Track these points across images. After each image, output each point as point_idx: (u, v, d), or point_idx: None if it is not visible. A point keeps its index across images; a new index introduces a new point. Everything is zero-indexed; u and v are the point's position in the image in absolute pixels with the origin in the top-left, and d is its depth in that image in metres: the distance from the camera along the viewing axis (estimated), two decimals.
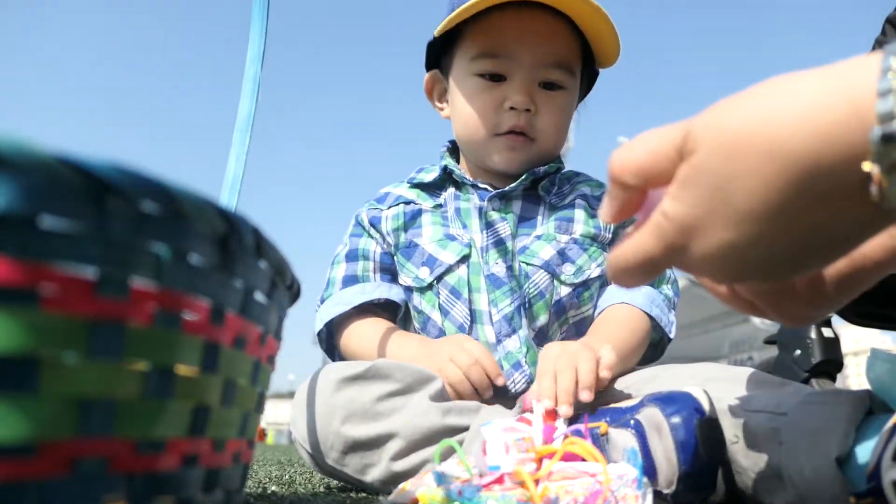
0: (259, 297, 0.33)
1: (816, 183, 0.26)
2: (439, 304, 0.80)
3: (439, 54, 0.87)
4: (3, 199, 0.21)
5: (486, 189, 0.82)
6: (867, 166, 0.25)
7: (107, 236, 0.24)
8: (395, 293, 0.83)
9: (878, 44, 0.84)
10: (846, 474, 0.43)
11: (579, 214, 0.82)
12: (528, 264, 0.79)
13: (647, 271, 0.33)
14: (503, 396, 0.72)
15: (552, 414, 0.55)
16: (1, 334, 0.21)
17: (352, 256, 0.86)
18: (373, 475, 0.64)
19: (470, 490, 0.40)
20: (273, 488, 0.71)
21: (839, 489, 0.43)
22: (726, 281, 0.38)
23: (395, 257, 0.84)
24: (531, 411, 0.55)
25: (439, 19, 0.80)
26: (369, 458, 0.63)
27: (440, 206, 0.85)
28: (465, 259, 0.80)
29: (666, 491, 0.49)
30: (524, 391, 0.75)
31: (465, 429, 0.63)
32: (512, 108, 0.78)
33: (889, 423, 0.41)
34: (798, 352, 1.45)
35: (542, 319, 0.79)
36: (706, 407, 0.50)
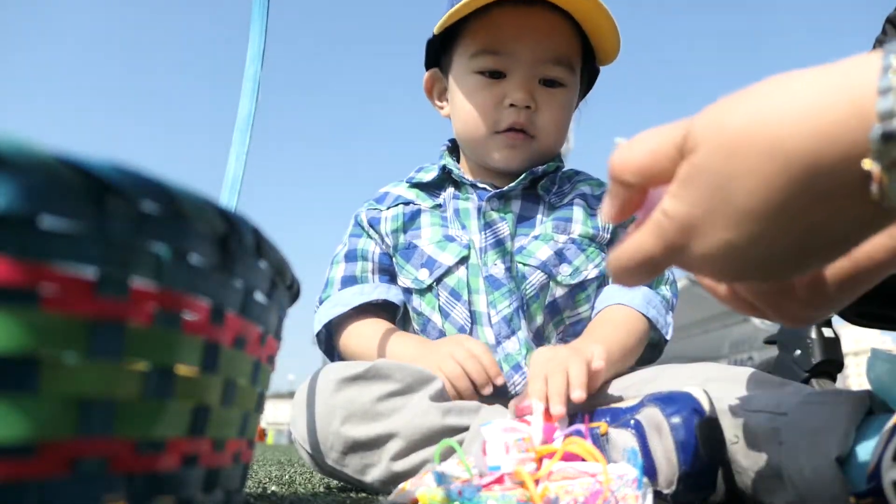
0: (259, 297, 0.33)
1: (817, 182, 0.26)
2: (439, 306, 0.80)
3: (439, 53, 0.87)
4: (3, 199, 0.21)
5: (485, 189, 0.82)
6: (867, 164, 0.25)
7: (107, 236, 0.24)
8: (393, 294, 0.83)
9: (879, 43, 0.84)
10: (846, 474, 0.43)
11: (578, 214, 0.82)
12: (524, 265, 0.79)
13: (647, 270, 0.33)
14: (503, 397, 0.72)
15: (550, 415, 0.55)
16: (1, 334, 0.21)
17: (351, 257, 0.86)
18: (373, 475, 0.64)
19: (470, 490, 0.40)
20: (273, 488, 0.71)
21: (839, 489, 0.43)
22: (727, 280, 0.38)
23: (394, 258, 0.84)
24: (521, 418, 0.55)
25: (439, 18, 0.79)
26: (369, 458, 0.63)
27: (439, 206, 0.85)
28: (464, 260, 0.80)
29: (666, 491, 0.49)
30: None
31: (465, 429, 0.63)
32: (512, 105, 0.78)
33: (889, 423, 0.41)
34: (798, 352, 1.45)
35: (539, 320, 0.79)
36: (706, 407, 0.50)
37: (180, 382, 0.27)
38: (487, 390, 0.69)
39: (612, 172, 0.33)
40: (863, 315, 0.83)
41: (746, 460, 0.51)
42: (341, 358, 0.83)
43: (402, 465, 0.62)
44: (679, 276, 0.96)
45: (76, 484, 0.23)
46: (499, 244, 0.80)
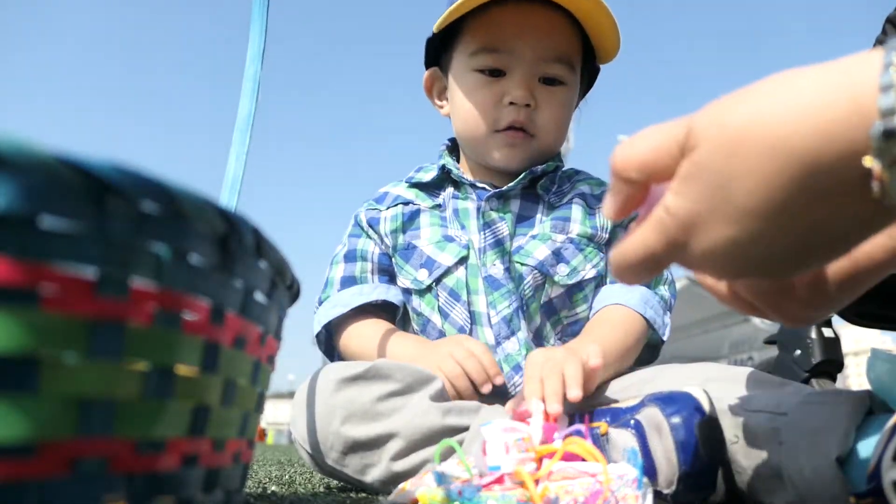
0: (259, 297, 0.33)
1: (817, 180, 0.26)
2: (439, 306, 0.80)
3: (438, 51, 0.86)
4: (3, 199, 0.21)
5: (484, 189, 0.82)
6: (868, 162, 0.25)
7: (107, 236, 0.24)
8: (392, 294, 0.83)
9: (879, 43, 0.84)
10: (846, 474, 0.43)
11: (576, 214, 0.81)
12: (521, 264, 0.78)
13: (649, 267, 0.33)
14: (503, 397, 0.72)
15: (548, 415, 0.55)
16: (1, 334, 0.21)
17: (350, 257, 0.86)
18: (373, 475, 0.64)
19: (470, 490, 0.40)
20: (273, 488, 0.71)
21: (839, 489, 0.43)
22: (727, 277, 0.38)
23: (394, 259, 0.84)
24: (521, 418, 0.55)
25: (439, 17, 0.79)
26: (369, 458, 0.63)
27: (439, 206, 0.85)
28: (463, 261, 0.80)
29: (666, 491, 0.49)
30: None
31: (465, 429, 0.63)
32: (511, 104, 0.78)
33: (889, 423, 0.41)
34: (798, 352, 1.45)
35: (538, 321, 0.79)
36: (706, 407, 0.50)
37: (180, 382, 0.27)
38: (487, 389, 0.69)
39: (615, 169, 0.33)
40: (863, 315, 0.83)
41: (746, 460, 0.51)
42: (341, 358, 0.83)
43: (402, 465, 0.62)
44: (678, 276, 0.96)
45: (76, 484, 0.23)
46: (498, 244, 0.80)
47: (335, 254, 0.88)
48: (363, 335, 0.79)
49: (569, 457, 0.45)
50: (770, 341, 1.64)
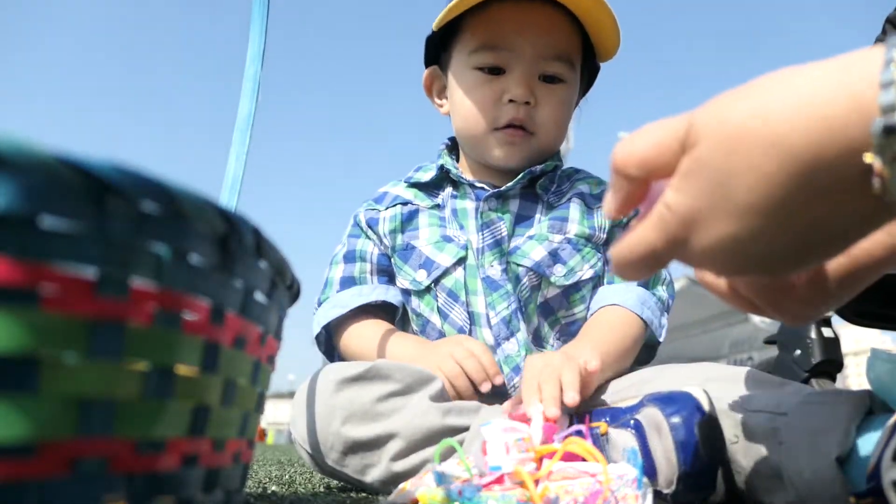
0: (259, 297, 0.33)
1: (817, 177, 0.26)
2: (438, 307, 0.80)
3: (438, 50, 0.86)
4: (3, 199, 0.21)
5: (483, 188, 0.82)
6: (868, 159, 0.25)
7: (107, 236, 0.24)
8: (392, 295, 0.83)
9: (878, 42, 0.84)
10: (846, 474, 0.43)
11: (574, 214, 0.81)
12: (517, 265, 0.78)
13: (650, 264, 0.33)
14: (503, 397, 0.72)
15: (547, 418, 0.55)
16: (1, 334, 0.21)
17: (349, 257, 0.85)
18: (373, 475, 0.64)
19: (470, 490, 0.40)
20: (273, 488, 0.71)
21: (839, 489, 0.43)
22: (728, 274, 0.38)
23: (393, 259, 0.84)
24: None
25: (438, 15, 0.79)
26: (369, 458, 0.63)
27: (438, 206, 0.85)
28: (461, 261, 0.79)
29: (666, 491, 0.49)
30: None
31: (466, 429, 0.63)
32: (511, 101, 0.78)
33: (889, 423, 0.41)
34: (798, 352, 1.45)
35: (536, 321, 0.79)
36: (706, 407, 0.50)
37: (180, 382, 0.27)
38: (486, 388, 0.69)
39: (615, 165, 0.33)
40: (863, 315, 0.83)
41: (746, 460, 0.51)
42: (341, 359, 0.82)
43: (402, 466, 0.62)
44: (677, 276, 0.96)
45: (76, 484, 0.23)
46: (496, 245, 0.79)
47: (334, 254, 0.88)
48: (363, 335, 0.79)
49: (569, 457, 0.45)
50: (770, 341, 1.64)
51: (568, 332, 0.80)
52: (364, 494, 0.65)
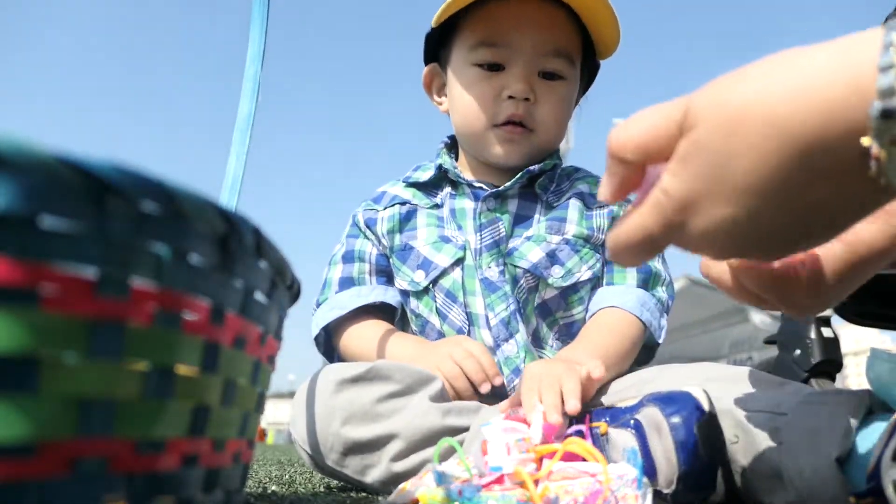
0: (259, 297, 0.33)
1: (816, 159, 0.26)
2: (437, 307, 0.80)
3: (437, 47, 0.86)
4: (3, 199, 0.21)
5: (481, 188, 0.81)
6: (866, 142, 0.25)
7: (107, 236, 0.24)
8: (390, 296, 0.83)
9: None
10: (846, 474, 0.43)
11: (573, 214, 0.80)
12: (515, 267, 0.78)
13: (647, 249, 0.33)
14: (502, 398, 0.72)
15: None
16: (1, 334, 0.21)
17: (348, 258, 0.85)
18: (373, 476, 0.63)
19: (470, 490, 0.40)
20: (273, 488, 0.71)
21: (839, 489, 0.43)
22: (724, 257, 0.38)
23: (391, 259, 0.84)
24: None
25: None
26: (369, 459, 0.63)
27: (437, 206, 0.84)
28: (459, 262, 0.79)
29: (666, 491, 0.49)
30: None
31: (466, 429, 0.63)
32: (511, 98, 0.77)
33: (889, 423, 0.41)
34: (798, 352, 1.45)
35: (535, 323, 0.79)
36: (706, 407, 0.50)
37: (180, 382, 0.27)
38: (485, 389, 0.69)
39: (611, 150, 0.33)
40: (863, 314, 0.83)
41: (746, 460, 0.51)
42: (341, 360, 0.82)
43: (402, 466, 0.62)
44: (677, 276, 0.95)
45: (76, 484, 0.23)
46: (495, 245, 0.79)
47: (333, 254, 0.87)
48: (362, 336, 0.79)
49: (569, 457, 0.45)
50: (770, 341, 1.64)
51: (567, 333, 0.80)
52: (364, 494, 0.65)
